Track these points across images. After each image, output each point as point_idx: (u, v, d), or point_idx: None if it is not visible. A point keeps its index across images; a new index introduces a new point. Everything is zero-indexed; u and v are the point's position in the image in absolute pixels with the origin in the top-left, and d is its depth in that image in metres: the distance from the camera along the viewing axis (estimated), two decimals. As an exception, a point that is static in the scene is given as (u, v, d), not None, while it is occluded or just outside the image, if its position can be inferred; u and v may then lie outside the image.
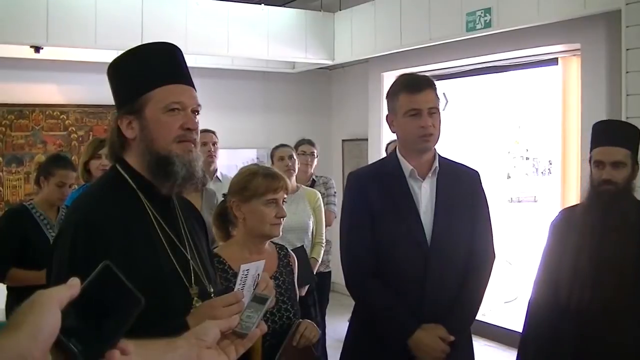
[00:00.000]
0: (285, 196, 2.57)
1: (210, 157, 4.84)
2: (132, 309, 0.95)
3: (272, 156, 4.99)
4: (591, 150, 2.76)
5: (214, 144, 4.88)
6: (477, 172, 2.83)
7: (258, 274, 1.79)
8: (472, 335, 2.79)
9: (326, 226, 4.99)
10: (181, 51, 1.80)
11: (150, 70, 1.72)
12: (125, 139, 1.72)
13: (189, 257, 1.75)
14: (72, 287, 0.90)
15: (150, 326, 1.25)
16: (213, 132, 4.92)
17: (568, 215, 2.85)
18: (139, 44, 1.83)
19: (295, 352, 2.43)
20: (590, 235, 2.65)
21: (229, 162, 7.07)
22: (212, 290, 1.78)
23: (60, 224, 2.19)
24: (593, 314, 2.58)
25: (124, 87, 1.75)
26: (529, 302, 2.92)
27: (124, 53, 1.78)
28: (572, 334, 2.63)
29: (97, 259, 1.53)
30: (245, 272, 1.78)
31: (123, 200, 1.69)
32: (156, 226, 1.69)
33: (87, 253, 1.55)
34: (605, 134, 2.74)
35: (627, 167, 2.67)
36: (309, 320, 2.52)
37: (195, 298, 1.70)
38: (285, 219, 2.56)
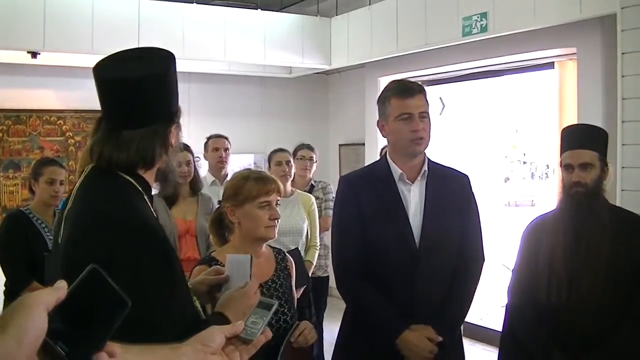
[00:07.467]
0: (279, 199, 2.60)
1: (221, 163, 4.89)
2: (119, 311, 0.96)
3: (269, 159, 5.00)
4: (561, 155, 2.81)
5: (226, 149, 4.92)
6: (466, 175, 2.87)
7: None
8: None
9: (324, 231, 4.98)
10: None
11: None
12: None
13: None
14: (59, 290, 0.91)
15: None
16: (226, 138, 4.96)
17: (541, 220, 2.90)
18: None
19: (294, 352, 2.43)
20: (563, 236, 2.69)
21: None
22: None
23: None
24: (569, 313, 2.61)
25: (172, 96, 1.71)
26: (506, 307, 2.94)
27: (157, 62, 1.73)
28: (549, 333, 2.66)
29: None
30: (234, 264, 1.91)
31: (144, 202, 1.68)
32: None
33: None
34: (572, 137, 2.80)
35: (595, 168, 2.71)
36: (308, 322, 2.54)
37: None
38: (280, 222, 2.59)
